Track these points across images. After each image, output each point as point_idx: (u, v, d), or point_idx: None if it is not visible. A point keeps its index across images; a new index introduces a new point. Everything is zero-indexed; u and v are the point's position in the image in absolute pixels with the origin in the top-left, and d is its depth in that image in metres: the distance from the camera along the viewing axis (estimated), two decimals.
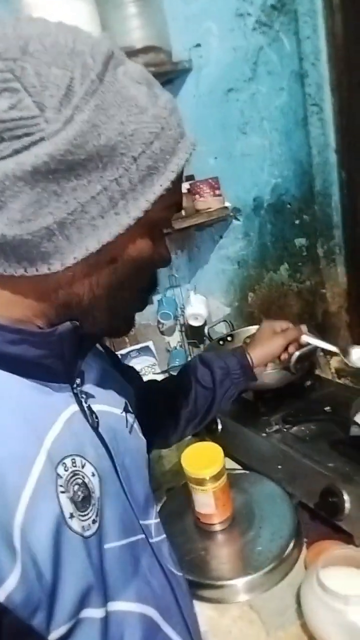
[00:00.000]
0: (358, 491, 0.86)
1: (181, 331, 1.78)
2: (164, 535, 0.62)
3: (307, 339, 0.97)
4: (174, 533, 0.96)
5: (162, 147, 0.45)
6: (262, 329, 0.98)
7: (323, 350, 1.29)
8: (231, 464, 1.15)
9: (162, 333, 1.77)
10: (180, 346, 1.77)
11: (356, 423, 0.94)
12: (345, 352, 0.95)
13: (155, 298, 1.72)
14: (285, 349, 0.94)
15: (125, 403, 0.62)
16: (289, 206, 1.25)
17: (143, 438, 0.65)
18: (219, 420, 1.21)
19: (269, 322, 0.99)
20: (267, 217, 1.34)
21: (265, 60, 1.17)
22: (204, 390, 0.89)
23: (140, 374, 1.56)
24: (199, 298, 1.67)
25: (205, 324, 1.60)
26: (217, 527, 0.93)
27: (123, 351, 1.58)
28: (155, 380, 0.96)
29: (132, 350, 1.59)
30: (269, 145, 1.24)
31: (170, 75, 1.46)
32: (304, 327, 0.97)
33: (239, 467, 1.14)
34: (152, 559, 0.57)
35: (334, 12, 1.06)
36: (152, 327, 1.74)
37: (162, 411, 0.87)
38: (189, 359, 1.74)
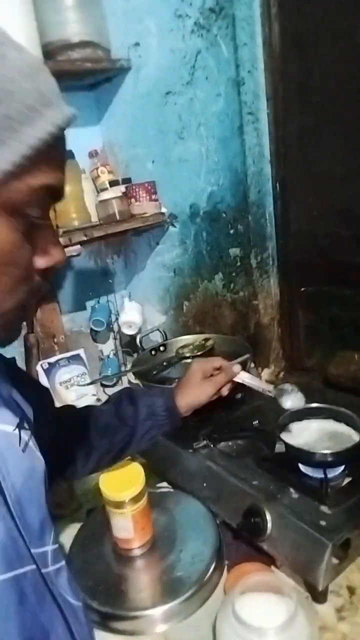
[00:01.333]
0: (280, 511, 0.84)
1: (115, 339, 1.72)
2: (63, 562, 0.56)
3: (242, 379, 0.94)
4: (90, 559, 0.90)
5: (6, 114, 0.39)
6: (192, 371, 0.93)
7: (254, 361, 1.28)
8: (159, 481, 1.10)
9: (94, 340, 1.70)
10: (114, 354, 1.71)
11: (281, 440, 0.92)
12: (278, 394, 0.93)
13: (89, 304, 1.66)
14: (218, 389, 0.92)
15: (20, 419, 0.57)
16: (224, 215, 1.23)
17: (41, 458, 0.59)
18: None
19: (200, 362, 0.95)
20: (203, 225, 1.31)
21: (203, 64, 1.14)
22: (124, 427, 0.86)
23: (69, 383, 1.51)
24: (134, 305, 1.62)
25: (139, 332, 1.55)
26: (136, 552, 0.88)
27: (52, 359, 1.49)
28: (73, 407, 0.91)
29: (61, 359, 1.51)
30: (206, 152, 1.21)
31: (108, 73, 1.41)
32: (237, 367, 0.94)
33: (167, 485, 1.09)
34: (44, 591, 0.52)
35: (272, 21, 1.04)
36: (84, 334, 1.67)
37: (74, 441, 0.83)
38: (122, 368, 1.69)
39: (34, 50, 1.23)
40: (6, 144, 0.39)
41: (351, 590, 0.81)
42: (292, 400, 0.92)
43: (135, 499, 0.83)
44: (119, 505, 0.83)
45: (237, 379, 0.94)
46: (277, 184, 1.16)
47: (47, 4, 1.26)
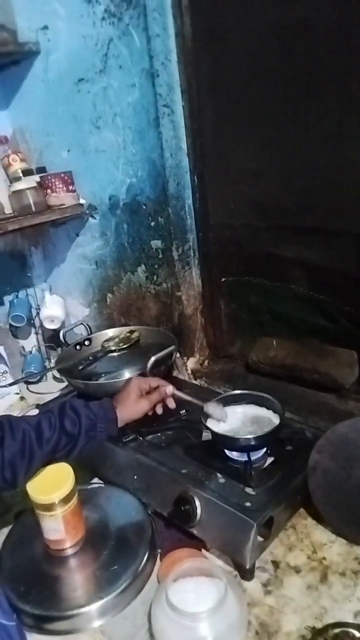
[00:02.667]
0: (208, 496, 0.87)
1: (37, 334, 1.67)
2: None
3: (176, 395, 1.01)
4: (21, 563, 0.89)
5: None
6: (130, 388, 0.99)
7: (179, 351, 1.31)
8: (90, 478, 1.09)
9: (15, 336, 1.64)
10: (37, 350, 1.67)
11: (207, 427, 0.96)
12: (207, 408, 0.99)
13: (7, 298, 1.59)
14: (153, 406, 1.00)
15: None
16: (144, 207, 1.22)
17: None
18: None
19: (138, 380, 1.01)
20: (124, 217, 1.30)
21: (115, 53, 1.11)
22: (67, 439, 0.87)
23: None
24: (55, 299, 1.58)
25: (63, 326, 1.52)
26: (68, 552, 0.88)
27: None
28: (13, 417, 0.90)
29: None
30: (123, 143, 1.20)
31: (15, 57, 1.34)
32: (169, 389, 1.00)
33: (98, 480, 1.09)
34: None
35: (183, 13, 1.04)
36: (4, 330, 1.60)
37: (15, 453, 0.82)
38: (46, 364, 1.64)
39: None
40: None
41: (275, 565, 0.86)
42: (218, 413, 0.98)
43: (65, 500, 0.83)
44: (49, 507, 0.82)
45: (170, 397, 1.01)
46: (195, 177, 1.17)
47: None
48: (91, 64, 1.18)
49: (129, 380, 1.02)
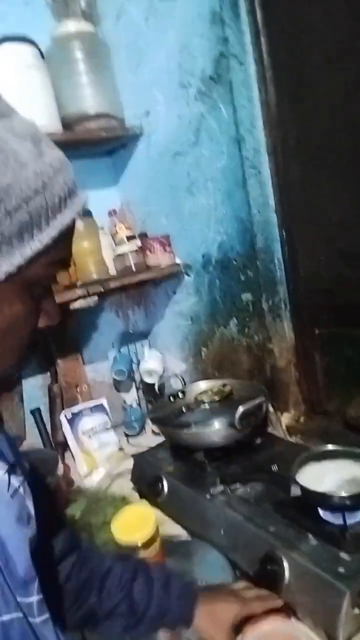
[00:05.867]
0: (298, 558, 0.81)
1: (138, 388, 1.75)
2: (47, 615, 0.54)
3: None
4: None
5: (42, 204, 0.46)
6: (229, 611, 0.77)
7: (273, 405, 1.28)
8: (176, 529, 1.08)
9: (117, 390, 1.73)
10: (137, 404, 1.74)
11: (296, 482, 0.91)
12: None
13: (111, 354, 1.70)
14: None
15: (11, 465, 0.58)
16: (234, 262, 1.27)
17: (29, 508, 0.58)
18: (165, 480, 1.15)
19: (244, 608, 0.77)
20: (215, 273, 1.36)
21: (206, 126, 1.22)
22: (129, 616, 0.74)
23: (93, 432, 1.52)
24: (154, 354, 1.65)
25: (161, 380, 1.58)
26: None
27: (75, 409, 1.53)
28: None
29: (84, 409, 1.54)
30: (214, 205, 1.28)
31: (123, 140, 1.53)
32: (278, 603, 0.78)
33: (184, 532, 1.08)
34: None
35: (267, 84, 1.12)
36: (107, 383, 1.70)
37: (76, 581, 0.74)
38: (145, 418, 1.70)
39: (53, 123, 1.36)
40: (42, 229, 0.46)
41: None
42: None
43: (147, 543, 0.83)
44: (132, 550, 0.83)
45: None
46: (283, 231, 1.20)
47: (64, 81, 1.40)
48: (186, 138, 1.31)
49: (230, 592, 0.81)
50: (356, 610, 0.74)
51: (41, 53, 1.37)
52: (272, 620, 0.77)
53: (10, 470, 0.57)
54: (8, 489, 0.55)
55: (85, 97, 1.41)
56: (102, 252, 1.49)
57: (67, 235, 0.50)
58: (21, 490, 0.58)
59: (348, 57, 0.98)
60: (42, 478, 0.77)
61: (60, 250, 0.50)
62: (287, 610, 0.81)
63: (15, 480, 0.57)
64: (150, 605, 0.74)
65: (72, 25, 1.39)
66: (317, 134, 1.09)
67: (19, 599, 0.50)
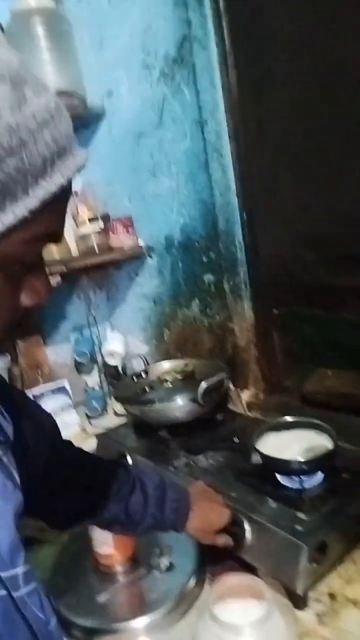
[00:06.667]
0: (258, 520, 0.86)
1: (99, 371, 1.76)
2: (35, 584, 0.53)
3: None
4: (73, 578, 0.91)
5: (18, 167, 0.37)
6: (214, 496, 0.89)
7: (234, 383, 1.33)
8: None
9: (78, 372, 1.73)
10: (99, 386, 1.74)
11: (257, 450, 0.95)
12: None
13: (72, 336, 1.70)
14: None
15: None
16: (197, 244, 1.30)
17: (15, 477, 0.56)
18: (128, 456, 1.18)
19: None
20: (178, 255, 1.38)
21: (169, 109, 1.24)
22: (129, 519, 0.80)
23: (54, 413, 1.51)
24: (116, 336, 1.66)
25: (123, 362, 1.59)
26: (118, 568, 0.89)
27: (36, 391, 1.52)
28: (86, 453, 0.86)
29: (46, 390, 1.54)
30: (177, 187, 1.30)
31: (84, 120, 1.52)
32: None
33: None
34: (15, 617, 0.50)
35: (229, 69, 1.15)
36: (68, 365, 1.70)
37: (75, 491, 0.78)
38: (107, 399, 1.71)
39: None
40: (16, 199, 0.37)
41: (332, 597, 0.81)
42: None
43: None
44: None
45: None
46: (244, 214, 1.24)
47: (26, 56, 1.37)
48: (149, 120, 1.32)
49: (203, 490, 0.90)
50: (312, 565, 0.79)
51: (1, 27, 1.33)
52: (237, 575, 0.82)
53: None
54: None
55: (46, 73, 1.39)
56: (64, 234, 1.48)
57: (54, 205, 0.40)
58: (5, 459, 0.55)
59: (308, 44, 1.02)
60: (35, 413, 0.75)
61: (45, 223, 0.41)
62: (249, 570, 0.86)
63: None
64: (145, 518, 0.79)
65: (33, 1, 1.36)
66: (277, 118, 1.13)
67: (2, 575, 0.49)
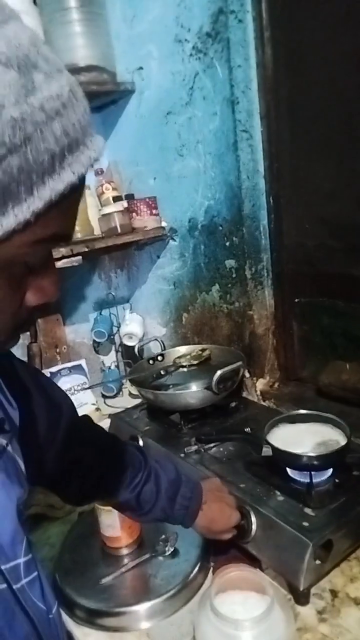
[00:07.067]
0: (265, 513, 0.85)
1: (117, 351, 1.76)
2: (36, 573, 0.52)
3: None
4: (79, 559, 0.92)
5: (21, 166, 0.32)
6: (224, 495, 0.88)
7: (249, 371, 1.31)
8: None
9: (96, 352, 1.73)
10: (115, 366, 1.75)
11: (268, 443, 0.94)
12: None
13: (91, 316, 1.70)
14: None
15: (1, 420, 0.53)
16: (220, 228, 1.27)
17: (19, 464, 0.56)
18: (140, 440, 1.18)
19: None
20: (201, 238, 1.35)
21: (200, 85, 1.20)
22: (140, 507, 0.80)
23: (70, 392, 1.53)
24: (135, 317, 1.66)
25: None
26: (124, 551, 0.89)
27: (53, 369, 1.53)
28: (114, 438, 0.85)
29: (63, 369, 1.55)
30: (203, 168, 1.26)
31: (113, 96, 1.48)
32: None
33: None
34: (14, 610, 0.49)
35: (264, 45, 1.10)
36: (87, 345, 1.70)
37: (97, 473, 0.78)
38: (123, 381, 1.71)
39: None
40: (19, 201, 0.33)
41: (334, 594, 0.81)
42: None
43: None
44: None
45: None
46: (271, 198, 1.20)
47: (57, 29, 1.34)
48: (178, 97, 1.28)
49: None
50: (316, 562, 0.78)
51: None
52: (239, 568, 0.81)
53: None
54: None
55: (76, 47, 1.36)
56: (87, 212, 1.47)
57: (63, 204, 0.36)
58: (9, 448, 0.54)
59: (348, 25, 0.96)
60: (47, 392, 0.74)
61: (52, 225, 0.37)
62: (255, 564, 0.86)
63: (3, 438, 0.54)
64: (155, 509, 0.80)
65: None
66: (311, 100, 1.08)
67: (2, 567, 0.48)
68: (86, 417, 0.85)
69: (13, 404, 0.59)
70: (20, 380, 0.65)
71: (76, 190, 0.37)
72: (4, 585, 0.48)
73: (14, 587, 0.49)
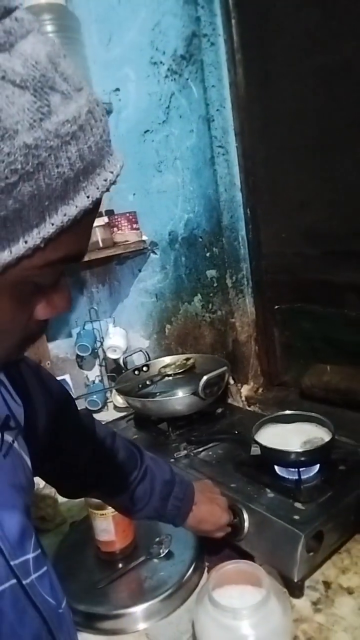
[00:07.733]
0: (257, 510, 0.87)
1: (101, 365, 1.77)
2: (45, 568, 0.53)
3: None
4: (74, 566, 0.92)
5: (32, 194, 0.31)
6: (216, 496, 0.90)
7: (233, 378, 1.34)
8: None
9: (80, 367, 1.74)
10: (100, 380, 1.75)
11: (256, 442, 0.97)
12: None
13: (74, 331, 1.71)
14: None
15: (5, 419, 0.54)
16: (200, 239, 1.31)
17: (26, 460, 0.56)
18: None
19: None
20: (182, 250, 1.39)
21: (176, 105, 1.26)
22: (135, 507, 0.81)
23: None
24: (118, 330, 1.67)
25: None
26: (118, 556, 0.90)
27: None
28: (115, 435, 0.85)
29: None
30: (182, 183, 1.31)
31: None
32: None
33: None
34: (25, 605, 0.49)
35: (236, 66, 1.17)
36: (70, 360, 1.71)
37: (91, 461, 0.78)
38: (108, 394, 1.72)
39: None
40: (30, 227, 0.33)
41: (327, 585, 0.83)
42: None
43: None
44: (101, 506, 0.86)
45: None
46: (248, 210, 1.25)
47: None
48: (155, 116, 1.33)
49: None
50: (309, 553, 0.81)
51: None
52: (236, 561, 0.83)
53: (3, 426, 0.53)
54: (1, 448, 0.51)
55: None
56: None
57: (75, 227, 0.35)
58: (16, 444, 0.54)
59: (316, 44, 1.04)
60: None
61: (64, 249, 0.36)
62: (247, 559, 0.87)
63: (9, 435, 0.53)
64: (147, 507, 0.81)
65: None
66: (283, 116, 1.14)
67: (12, 563, 0.48)
68: (86, 412, 0.85)
69: (18, 401, 0.60)
70: (23, 377, 0.66)
71: (90, 213, 0.36)
72: (14, 581, 0.48)
73: (24, 582, 0.49)
